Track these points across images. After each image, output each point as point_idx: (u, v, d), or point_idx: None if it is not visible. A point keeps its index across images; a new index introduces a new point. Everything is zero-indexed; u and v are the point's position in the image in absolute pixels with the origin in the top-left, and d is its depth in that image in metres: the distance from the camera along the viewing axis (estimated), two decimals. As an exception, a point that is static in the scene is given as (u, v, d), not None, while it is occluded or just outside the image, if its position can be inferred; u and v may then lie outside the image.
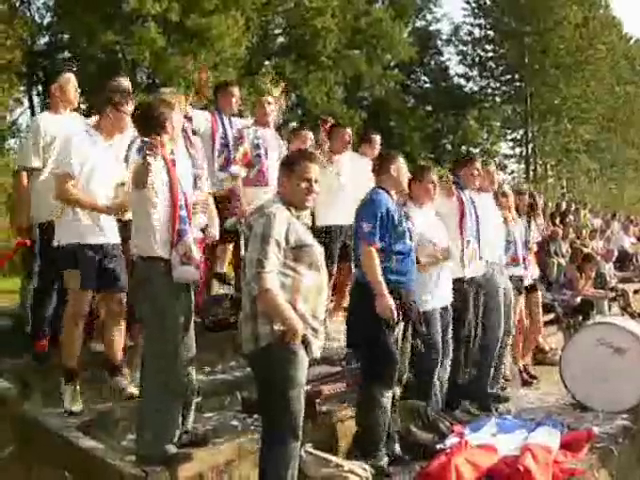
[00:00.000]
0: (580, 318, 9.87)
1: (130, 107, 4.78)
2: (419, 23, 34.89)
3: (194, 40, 20.13)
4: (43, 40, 23.39)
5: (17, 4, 21.98)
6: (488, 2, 35.81)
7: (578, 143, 35.19)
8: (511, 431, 5.34)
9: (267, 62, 26.02)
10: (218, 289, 7.31)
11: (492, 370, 6.29)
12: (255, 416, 4.64)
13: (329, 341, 6.37)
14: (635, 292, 12.45)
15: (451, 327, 5.56)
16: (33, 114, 20.52)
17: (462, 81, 36.60)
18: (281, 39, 27.84)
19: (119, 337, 4.88)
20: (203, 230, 4.68)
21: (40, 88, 23.32)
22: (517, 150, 37.22)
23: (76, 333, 4.68)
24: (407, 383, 5.07)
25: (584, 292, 10.29)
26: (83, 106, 7.06)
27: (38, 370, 4.99)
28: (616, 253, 13.53)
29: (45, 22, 23.18)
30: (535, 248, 8.01)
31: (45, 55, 23.00)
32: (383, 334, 4.64)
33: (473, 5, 35.89)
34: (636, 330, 6.50)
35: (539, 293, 7.91)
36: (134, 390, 4.81)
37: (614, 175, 37.87)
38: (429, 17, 35.07)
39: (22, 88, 22.41)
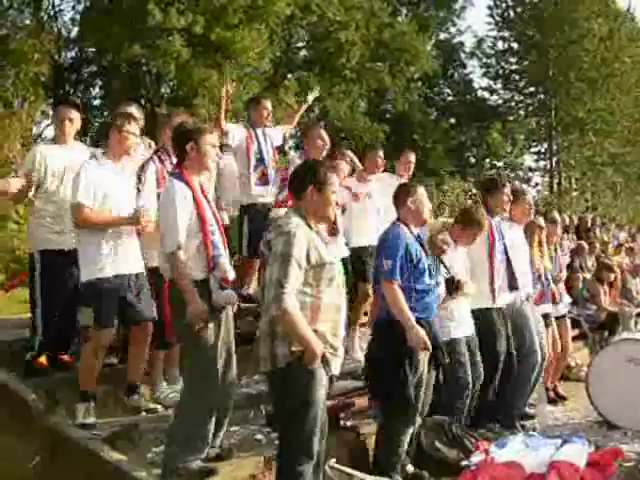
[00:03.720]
0: (606, 334, 9.77)
1: (134, 127, 4.80)
2: (442, 36, 34.86)
3: (218, 53, 20.29)
4: (69, 54, 23.69)
5: (44, 18, 22.31)
6: (512, 15, 35.70)
7: (603, 156, 34.84)
8: (537, 448, 5.26)
9: (290, 75, 26.15)
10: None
11: (525, 395, 6.22)
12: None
13: (354, 355, 6.41)
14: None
15: (478, 353, 5.53)
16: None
17: (486, 94, 36.47)
18: (305, 52, 27.98)
19: (140, 360, 4.94)
20: None
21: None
22: (541, 163, 36.97)
23: (95, 363, 4.71)
24: (434, 402, 5.03)
25: (607, 306, 10.17)
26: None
27: (65, 383, 5.01)
28: (643, 268, 13.35)
29: (71, 36, 23.47)
30: (563, 276, 7.83)
31: (71, 69, 23.30)
32: (405, 377, 4.55)
33: (497, 18, 35.78)
34: (664, 347, 6.41)
35: (567, 320, 7.76)
36: (151, 405, 4.85)
37: (639, 188, 37.47)
38: (452, 30, 35.03)
39: (49, 101, 22.70)
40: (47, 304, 5.23)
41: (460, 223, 5.55)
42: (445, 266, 5.28)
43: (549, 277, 6.90)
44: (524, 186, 30.44)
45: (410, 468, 4.85)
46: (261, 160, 6.45)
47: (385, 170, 7.31)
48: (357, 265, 6.49)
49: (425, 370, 4.73)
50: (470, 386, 5.36)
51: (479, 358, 5.53)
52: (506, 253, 5.89)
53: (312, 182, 3.84)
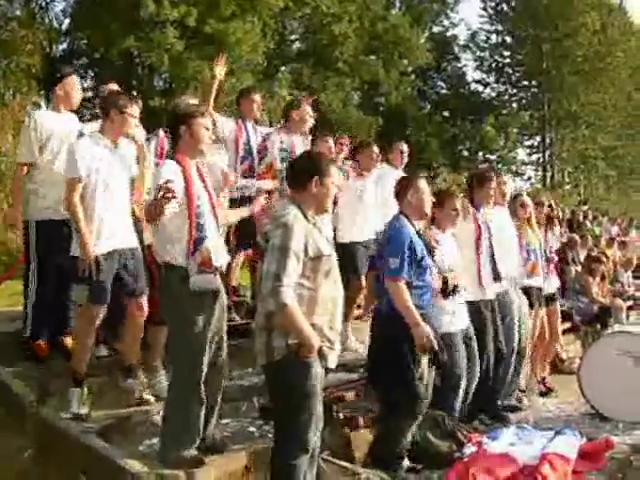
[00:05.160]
0: (598, 326, 9.81)
1: (135, 110, 4.79)
2: (436, 29, 34.83)
3: (212, 45, 20.21)
4: (61, 46, 23.57)
5: (36, 9, 22.18)
6: (505, 8, 35.76)
7: (596, 150, 34.98)
8: (529, 440, 5.29)
9: (284, 68, 26.09)
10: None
11: (507, 383, 6.25)
12: (272, 422, 4.63)
13: (348, 349, 6.41)
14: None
15: (475, 346, 5.55)
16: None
17: (479, 87, 36.56)
18: (298, 45, 27.90)
19: (136, 340, 4.89)
20: None
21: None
22: (534, 157, 37.12)
23: (88, 340, 4.70)
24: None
25: (598, 299, 10.22)
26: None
27: (56, 375, 5.00)
28: (635, 261, 13.43)
29: (63, 28, 23.35)
30: (555, 258, 7.91)
31: (63, 60, 23.15)
32: (409, 371, 4.57)
33: (490, 11, 35.84)
34: (656, 339, 6.43)
35: (557, 305, 7.81)
36: (146, 396, 4.84)
37: (632, 182, 37.61)
38: (446, 23, 35.00)
39: (41, 93, 22.58)
40: (42, 277, 5.24)
41: (438, 206, 5.53)
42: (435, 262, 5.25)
43: (541, 252, 6.93)
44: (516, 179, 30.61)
45: (406, 462, 4.86)
46: (249, 153, 6.42)
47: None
48: (348, 260, 6.48)
49: (426, 367, 4.74)
50: (463, 380, 5.37)
51: (476, 352, 5.54)
52: (491, 246, 5.91)
53: (315, 174, 3.82)
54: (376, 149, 6.98)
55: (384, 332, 4.76)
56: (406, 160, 7.46)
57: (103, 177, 4.62)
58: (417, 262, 4.65)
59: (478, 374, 5.58)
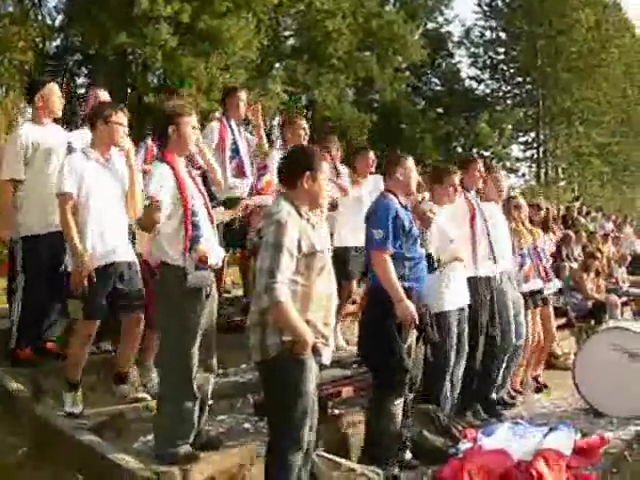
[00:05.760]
0: (593, 322, 9.82)
1: (121, 117, 4.71)
2: (430, 25, 34.71)
3: (205, 42, 20.16)
4: (54, 43, 23.45)
5: (29, 5, 22.07)
6: (500, 4, 35.72)
7: (590, 146, 35.00)
8: (524, 436, 5.32)
9: (278, 64, 26.03)
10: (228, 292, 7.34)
11: (499, 377, 6.26)
12: (266, 419, 4.63)
13: (343, 344, 6.42)
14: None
15: (465, 327, 5.54)
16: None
17: (473, 84, 36.48)
18: (292, 41, 27.82)
19: (132, 350, 4.88)
20: None
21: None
22: (528, 153, 37.08)
23: (82, 352, 4.69)
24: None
25: (592, 295, 10.23)
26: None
27: (51, 372, 4.98)
28: (629, 257, 13.46)
29: (56, 24, 23.23)
30: (550, 260, 7.91)
31: (56, 57, 23.06)
32: (396, 343, 4.59)
33: (485, 7, 35.82)
34: (650, 335, 6.45)
35: (551, 306, 7.78)
36: (140, 395, 4.84)
37: (626, 179, 37.69)
38: (440, 19, 34.88)
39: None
40: (28, 291, 5.19)
41: (435, 182, 5.54)
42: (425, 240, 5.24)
43: (536, 253, 6.94)
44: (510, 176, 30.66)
45: (408, 456, 4.86)
46: (236, 151, 6.37)
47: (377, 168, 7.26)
48: (338, 265, 6.45)
49: (414, 342, 4.74)
50: (452, 360, 5.36)
51: (466, 336, 5.54)
52: (487, 226, 5.93)
53: (306, 169, 3.80)
54: (372, 154, 6.98)
55: (374, 301, 4.77)
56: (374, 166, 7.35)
57: (96, 191, 4.58)
58: (406, 233, 4.65)
59: (464, 359, 5.57)
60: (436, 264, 5.20)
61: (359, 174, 6.85)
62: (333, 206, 6.20)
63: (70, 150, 5.09)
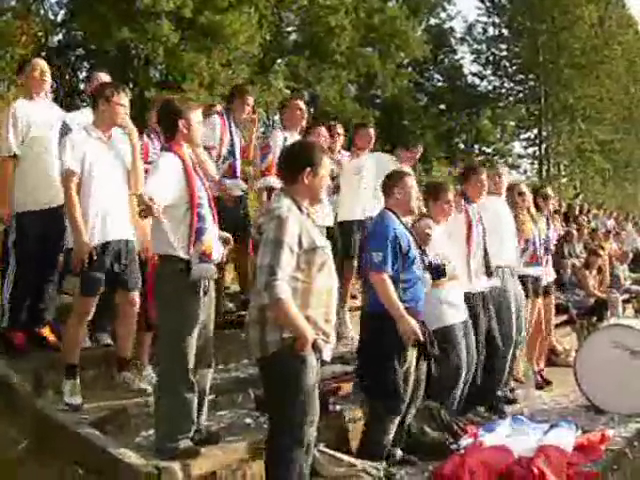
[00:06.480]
0: (594, 319, 9.83)
1: (122, 98, 4.73)
2: (433, 21, 34.64)
3: (207, 37, 20.13)
4: (56, 37, 23.42)
5: (31, 1, 22.05)
6: (502, 0, 35.64)
7: (592, 143, 34.91)
8: (525, 432, 5.31)
9: (280, 60, 26.00)
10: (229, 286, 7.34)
11: (505, 374, 6.27)
12: (267, 414, 4.63)
13: (343, 339, 6.42)
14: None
15: (473, 338, 5.56)
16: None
17: (476, 80, 36.36)
18: (295, 37, 27.78)
19: (129, 333, 4.89)
20: None
21: (54, 85, 23.33)
22: (530, 150, 36.98)
23: (80, 332, 4.69)
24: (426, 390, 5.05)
25: (594, 292, 10.23)
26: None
27: (52, 366, 4.98)
28: (631, 255, 13.45)
29: (58, 19, 23.22)
30: (553, 250, 7.93)
31: (58, 52, 23.04)
32: (391, 370, 4.57)
33: (487, 3, 35.70)
34: (652, 332, 6.44)
35: (552, 297, 7.81)
36: (142, 385, 4.84)
37: (628, 176, 37.62)
38: (443, 15, 34.80)
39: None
40: (20, 268, 5.18)
41: (432, 199, 5.54)
42: (426, 255, 5.24)
43: (540, 242, 6.95)
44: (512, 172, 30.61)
45: (399, 453, 4.86)
46: (232, 154, 6.35)
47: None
48: (344, 240, 6.54)
49: (413, 362, 4.72)
50: (464, 372, 5.37)
51: (474, 344, 5.54)
52: (483, 241, 5.91)
53: (307, 164, 3.79)
54: (372, 130, 7.03)
55: (369, 327, 4.76)
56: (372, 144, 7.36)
57: (98, 169, 4.59)
58: (403, 255, 4.63)
59: (473, 367, 5.59)
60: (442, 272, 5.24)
61: (359, 148, 6.91)
62: (336, 187, 6.28)
63: (65, 128, 5.10)
